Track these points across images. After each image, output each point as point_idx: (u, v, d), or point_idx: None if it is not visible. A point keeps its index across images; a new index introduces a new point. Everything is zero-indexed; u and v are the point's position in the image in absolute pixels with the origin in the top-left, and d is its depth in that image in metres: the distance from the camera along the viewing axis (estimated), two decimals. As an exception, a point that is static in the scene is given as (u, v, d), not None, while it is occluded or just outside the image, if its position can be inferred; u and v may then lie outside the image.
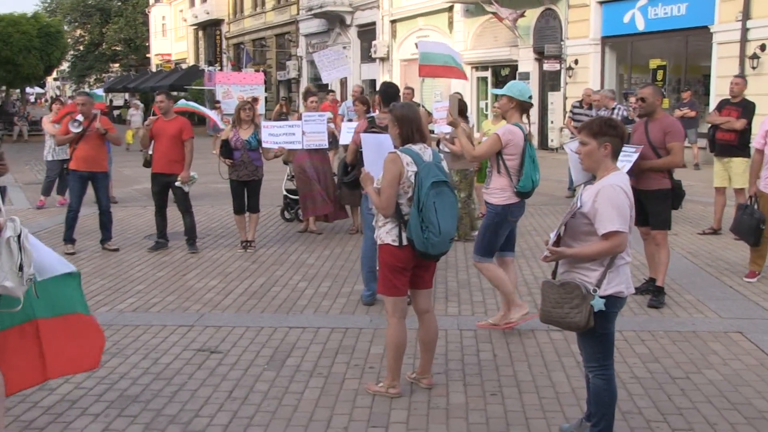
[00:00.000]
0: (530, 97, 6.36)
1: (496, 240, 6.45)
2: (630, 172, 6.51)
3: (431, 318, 5.33)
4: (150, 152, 9.91)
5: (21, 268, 4.20)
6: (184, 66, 52.54)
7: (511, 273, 6.73)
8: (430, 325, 5.31)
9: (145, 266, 9.07)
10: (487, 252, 6.48)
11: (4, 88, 42.32)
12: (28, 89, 49.90)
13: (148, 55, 62.36)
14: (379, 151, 5.42)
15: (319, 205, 10.64)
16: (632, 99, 13.63)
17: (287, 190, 11.95)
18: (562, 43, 23.20)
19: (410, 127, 5.10)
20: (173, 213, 10.37)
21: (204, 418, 4.90)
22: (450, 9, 27.95)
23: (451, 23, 28.21)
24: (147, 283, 8.29)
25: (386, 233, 5.09)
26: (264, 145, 9.95)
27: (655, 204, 7.06)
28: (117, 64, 66.18)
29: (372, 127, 7.22)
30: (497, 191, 6.32)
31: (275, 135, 10.08)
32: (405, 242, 5.00)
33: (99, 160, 9.83)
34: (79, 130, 9.55)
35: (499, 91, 6.52)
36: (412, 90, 14.59)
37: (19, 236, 4.22)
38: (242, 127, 9.90)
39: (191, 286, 8.14)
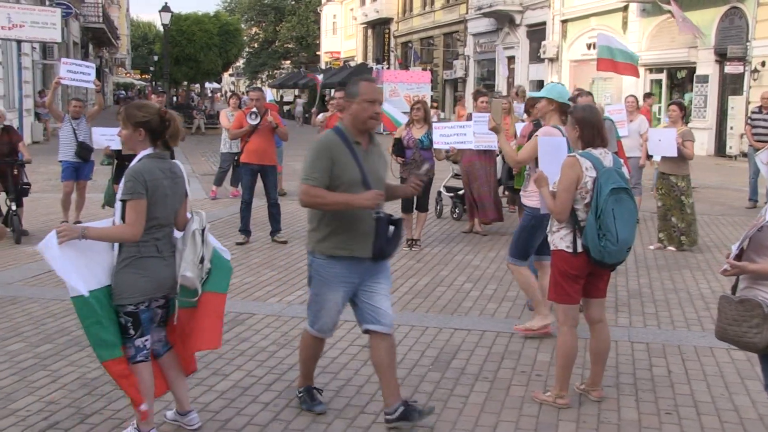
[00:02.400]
0: (570, 100, 6.30)
1: (532, 242, 6.38)
2: None
3: (604, 328, 5.12)
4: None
5: (202, 261, 4.37)
6: (352, 63, 53.64)
7: (548, 277, 6.44)
8: (603, 336, 5.10)
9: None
10: (522, 254, 6.42)
11: (185, 83, 44.72)
12: (206, 84, 52.53)
13: (318, 53, 64.17)
14: (556, 154, 5.27)
15: (488, 209, 10.54)
16: None
17: (446, 188, 11.94)
18: (747, 44, 21.91)
19: (592, 130, 4.91)
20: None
21: (369, 415, 4.91)
22: (625, 8, 27.06)
23: (625, 23, 27.30)
24: (314, 276, 8.44)
25: (560, 239, 4.92)
26: (435, 145, 9.95)
27: None
28: (288, 61, 68.53)
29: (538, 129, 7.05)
30: (535, 194, 6.11)
31: (446, 135, 10.06)
32: (580, 249, 4.82)
33: (269, 154, 10.16)
34: (257, 122, 9.91)
35: (537, 94, 6.40)
36: (582, 92, 14.14)
37: (203, 230, 4.39)
38: (415, 126, 9.96)
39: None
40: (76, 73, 11.56)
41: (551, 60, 31.90)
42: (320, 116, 11.17)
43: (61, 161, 10.87)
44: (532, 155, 6.10)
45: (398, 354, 5.95)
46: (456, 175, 11.37)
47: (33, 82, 26.96)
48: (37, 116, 26.08)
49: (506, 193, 11.46)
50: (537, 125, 7.18)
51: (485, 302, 7.51)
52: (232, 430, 4.68)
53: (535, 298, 6.47)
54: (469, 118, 10.75)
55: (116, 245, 4.24)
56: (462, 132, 10.07)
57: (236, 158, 10.99)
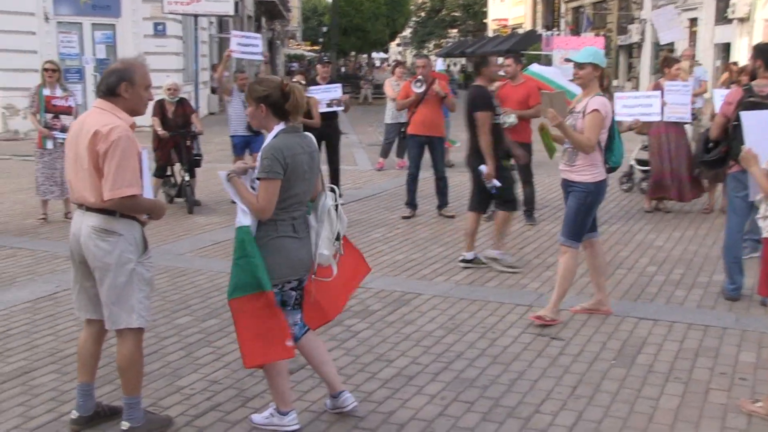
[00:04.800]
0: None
1: (588, 221, 5.90)
2: None
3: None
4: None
5: (338, 238, 4.15)
6: (520, 31, 52.32)
7: (601, 254, 6.19)
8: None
9: (482, 236, 8.81)
10: (578, 235, 5.90)
11: (353, 54, 45.15)
12: (373, 54, 52.86)
13: (485, 21, 63.05)
14: (765, 129, 4.59)
15: (667, 186, 9.70)
16: None
17: (637, 160, 11.06)
18: None
19: None
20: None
21: (545, 415, 4.44)
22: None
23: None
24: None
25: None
26: (617, 117, 9.16)
27: None
28: (455, 30, 67.80)
29: (749, 96, 6.22)
30: (587, 168, 5.71)
31: (630, 107, 9.28)
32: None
33: (436, 125, 9.79)
34: (422, 90, 9.55)
35: (581, 59, 5.70)
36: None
37: (337, 206, 4.12)
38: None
39: (529, 261, 7.72)
40: (246, 45, 11.58)
41: (741, 20, 29.56)
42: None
43: (232, 136, 10.87)
44: (598, 131, 5.65)
45: (575, 345, 5.45)
46: (645, 147, 10.49)
47: (210, 56, 27.83)
48: (213, 89, 26.91)
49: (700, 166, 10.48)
50: (748, 90, 6.35)
51: (672, 288, 6.81)
52: (396, 425, 4.34)
53: (565, 288, 5.96)
54: (656, 87, 9.87)
55: (254, 223, 4.01)
56: (647, 103, 9.25)
57: (402, 129, 10.70)
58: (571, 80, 6.10)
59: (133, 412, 4.15)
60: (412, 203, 10.03)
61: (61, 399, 4.63)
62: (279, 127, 4.03)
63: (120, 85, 3.96)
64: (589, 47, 6.02)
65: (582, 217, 5.83)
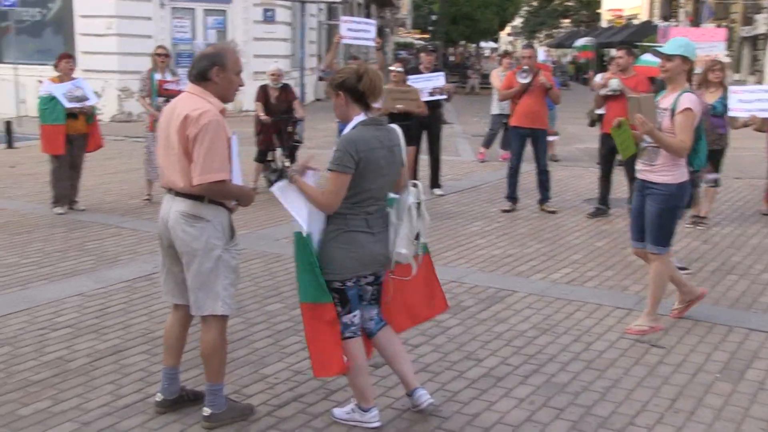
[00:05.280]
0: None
1: (675, 223, 5.56)
2: None
3: None
4: (600, 112, 9.27)
5: (417, 237, 3.99)
6: (635, 21, 50.79)
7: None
8: None
9: (583, 233, 8.52)
10: (666, 240, 5.53)
11: (462, 42, 44.77)
12: (482, 44, 52.30)
13: (599, 11, 61.52)
14: None
15: None
16: None
17: None
18: None
19: None
20: (617, 178, 9.62)
21: (640, 428, 4.19)
22: None
23: None
24: (584, 253, 7.72)
25: None
26: (730, 113, 8.67)
27: None
28: (567, 20, 66.42)
29: None
30: (669, 168, 5.35)
31: (746, 101, 8.75)
32: None
33: (540, 117, 9.51)
34: (527, 80, 9.29)
35: (669, 50, 5.25)
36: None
37: (419, 204, 3.96)
38: (708, 90, 8.74)
39: (631, 262, 7.37)
40: (357, 31, 11.52)
41: None
42: (598, 77, 10.27)
43: (339, 122, 10.84)
44: (692, 131, 5.28)
45: (677, 354, 5.16)
46: None
47: (318, 42, 28.04)
48: (321, 77, 27.13)
49: None
50: None
51: (788, 298, 6.39)
52: (480, 428, 4.18)
53: (660, 296, 5.61)
54: None
55: (324, 216, 3.94)
56: (766, 97, 8.71)
57: (505, 121, 10.45)
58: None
59: (215, 398, 4.13)
60: (512, 197, 9.78)
61: (149, 380, 4.67)
62: (359, 118, 3.91)
63: (211, 69, 3.92)
64: (679, 38, 5.57)
65: (667, 221, 5.47)
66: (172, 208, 3.97)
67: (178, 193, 3.95)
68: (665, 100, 5.43)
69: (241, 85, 4.10)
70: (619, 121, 5.76)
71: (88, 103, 9.09)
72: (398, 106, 9.37)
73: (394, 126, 4.07)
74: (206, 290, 3.96)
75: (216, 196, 3.92)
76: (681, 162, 5.37)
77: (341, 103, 3.94)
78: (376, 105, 4.03)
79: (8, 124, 15.03)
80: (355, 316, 4.03)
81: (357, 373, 4.05)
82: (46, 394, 4.48)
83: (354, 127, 3.90)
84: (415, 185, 4.08)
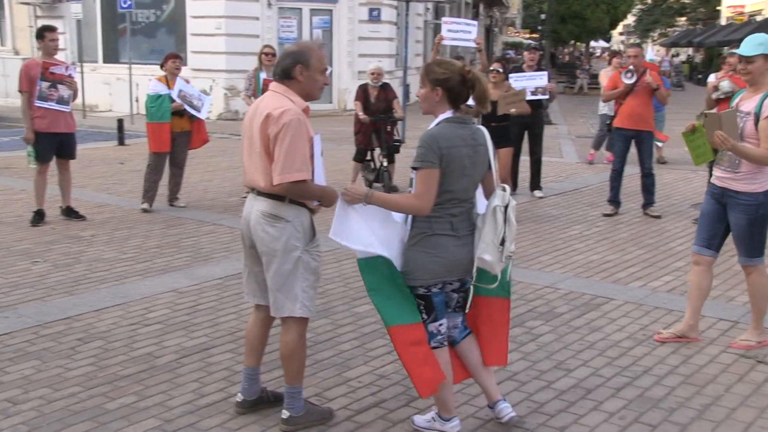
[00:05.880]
0: None
1: (765, 232, 5.14)
2: None
3: None
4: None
5: (503, 243, 3.75)
6: (758, 18, 48.61)
7: (711, 278, 5.41)
8: None
9: (688, 240, 8.11)
10: (759, 250, 5.17)
11: (572, 42, 43.89)
12: (592, 43, 51.15)
13: (718, 8, 59.16)
14: None
15: None
16: None
17: None
18: None
19: None
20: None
21: (740, 451, 3.93)
22: None
23: None
24: (688, 260, 7.27)
25: None
26: None
27: None
28: (684, 18, 64.19)
29: None
30: (754, 175, 4.98)
31: None
32: None
33: (645, 118, 9.15)
34: (632, 81, 8.96)
35: (748, 51, 4.81)
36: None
37: (506, 207, 3.76)
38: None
39: (739, 271, 6.92)
40: (457, 32, 11.41)
41: None
42: (711, 77, 9.83)
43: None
44: None
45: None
46: None
47: (424, 42, 27.98)
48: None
49: None
50: None
51: None
52: (566, 443, 4.01)
53: (760, 310, 5.27)
54: None
55: (409, 219, 3.80)
56: None
57: (608, 122, 10.12)
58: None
59: (294, 401, 4.09)
60: (615, 200, 9.45)
61: (232, 379, 4.68)
62: (444, 115, 3.79)
63: (295, 67, 3.88)
64: (758, 35, 5.05)
65: (758, 231, 5.11)
66: (254, 207, 3.95)
67: (260, 193, 3.92)
68: (747, 104, 5.02)
69: (326, 84, 4.03)
70: (693, 126, 5.35)
71: (200, 115, 9.28)
72: (512, 110, 9.18)
73: (480, 126, 3.93)
74: (285, 291, 3.92)
75: (297, 196, 3.87)
76: (766, 169, 5.00)
77: (434, 98, 3.79)
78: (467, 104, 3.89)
79: (120, 122, 15.57)
80: (441, 324, 3.90)
81: (442, 388, 3.92)
82: (133, 389, 4.55)
83: (437, 124, 3.78)
84: (503, 188, 3.92)
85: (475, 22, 12.33)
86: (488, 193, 3.93)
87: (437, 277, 3.80)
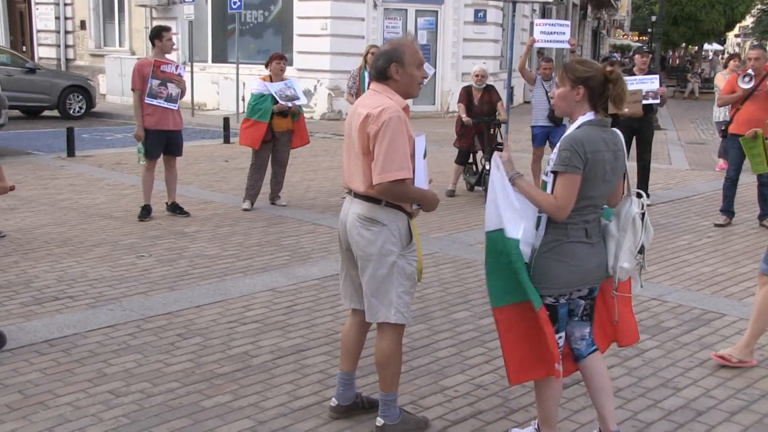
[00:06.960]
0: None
1: None
2: None
3: None
4: None
5: (641, 251, 3.61)
6: None
7: None
8: None
9: None
10: None
11: (683, 45, 42.48)
12: (705, 46, 49.35)
13: None
14: None
15: None
16: None
17: None
18: None
19: None
20: None
21: None
22: None
23: None
24: None
25: None
26: None
27: None
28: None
29: None
30: None
31: None
32: None
33: (764, 125, 8.63)
34: (749, 85, 8.52)
35: None
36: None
37: (643, 214, 3.57)
38: None
39: None
40: (550, 33, 11.16)
41: None
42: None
43: (532, 126, 10.53)
44: None
45: None
46: None
47: (529, 44, 27.60)
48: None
49: None
50: None
51: None
52: (674, 468, 3.78)
53: (760, 327, 4.91)
54: None
55: (542, 225, 3.60)
56: None
57: (722, 128, 9.67)
58: None
59: (389, 409, 4.00)
60: (728, 210, 9.02)
61: (327, 383, 4.63)
62: (585, 117, 3.58)
63: (389, 66, 3.78)
64: None
65: None
66: (350, 210, 3.89)
67: (357, 195, 3.85)
68: None
69: (425, 77, 3.92)
70: (754, 132, 4.95)
71: (297, 102, 9.34)
72: (625, 110, 8.89)
73: (617, 129, 3.73)
74: (380, 297, 3.84)
75: (395, 197, 3.77)
76: None
77: (575, 97, 3.59)
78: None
79: (226, 120, 15.88)
80: (560, 337, 3.71)
81: (549, 397, 3.76)
82: (228, 388, 4.56)
83: (579, 127, 3.60)
84: (639, 195, 3.73)
85: (568, 23, 12.03)
86: (616, 200, 3.74)
87: (570, 287, 3.60)
